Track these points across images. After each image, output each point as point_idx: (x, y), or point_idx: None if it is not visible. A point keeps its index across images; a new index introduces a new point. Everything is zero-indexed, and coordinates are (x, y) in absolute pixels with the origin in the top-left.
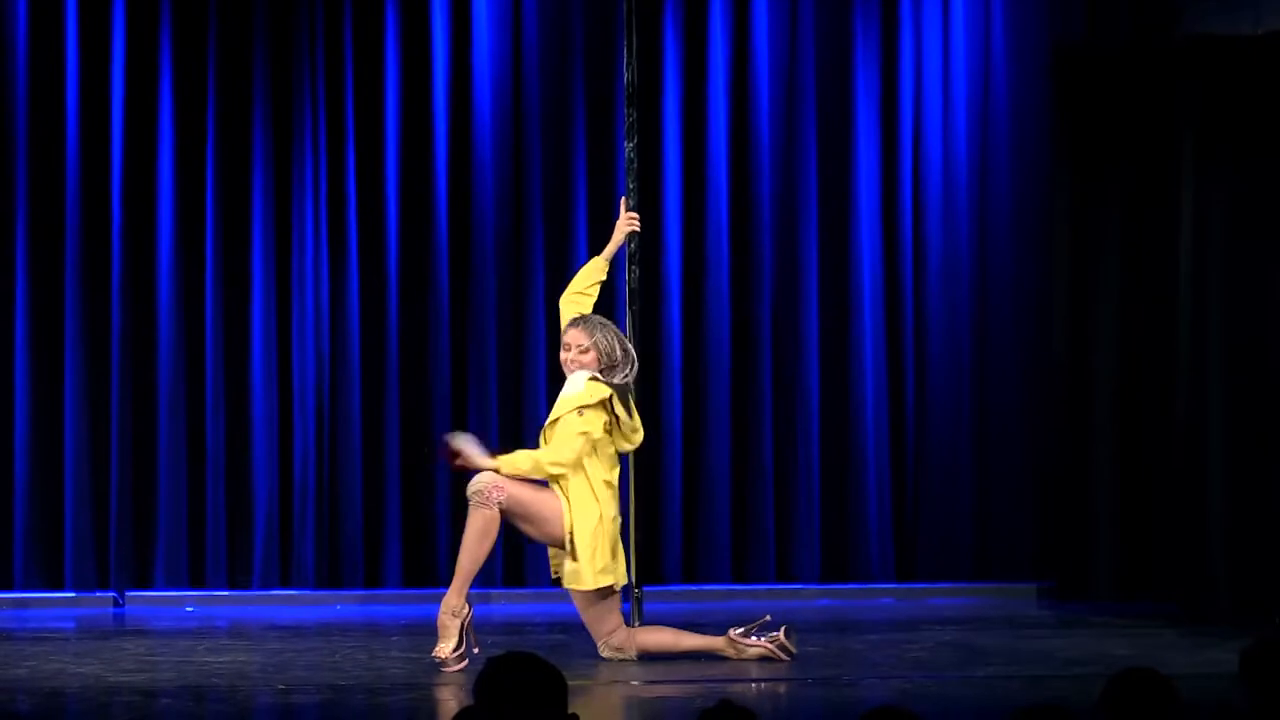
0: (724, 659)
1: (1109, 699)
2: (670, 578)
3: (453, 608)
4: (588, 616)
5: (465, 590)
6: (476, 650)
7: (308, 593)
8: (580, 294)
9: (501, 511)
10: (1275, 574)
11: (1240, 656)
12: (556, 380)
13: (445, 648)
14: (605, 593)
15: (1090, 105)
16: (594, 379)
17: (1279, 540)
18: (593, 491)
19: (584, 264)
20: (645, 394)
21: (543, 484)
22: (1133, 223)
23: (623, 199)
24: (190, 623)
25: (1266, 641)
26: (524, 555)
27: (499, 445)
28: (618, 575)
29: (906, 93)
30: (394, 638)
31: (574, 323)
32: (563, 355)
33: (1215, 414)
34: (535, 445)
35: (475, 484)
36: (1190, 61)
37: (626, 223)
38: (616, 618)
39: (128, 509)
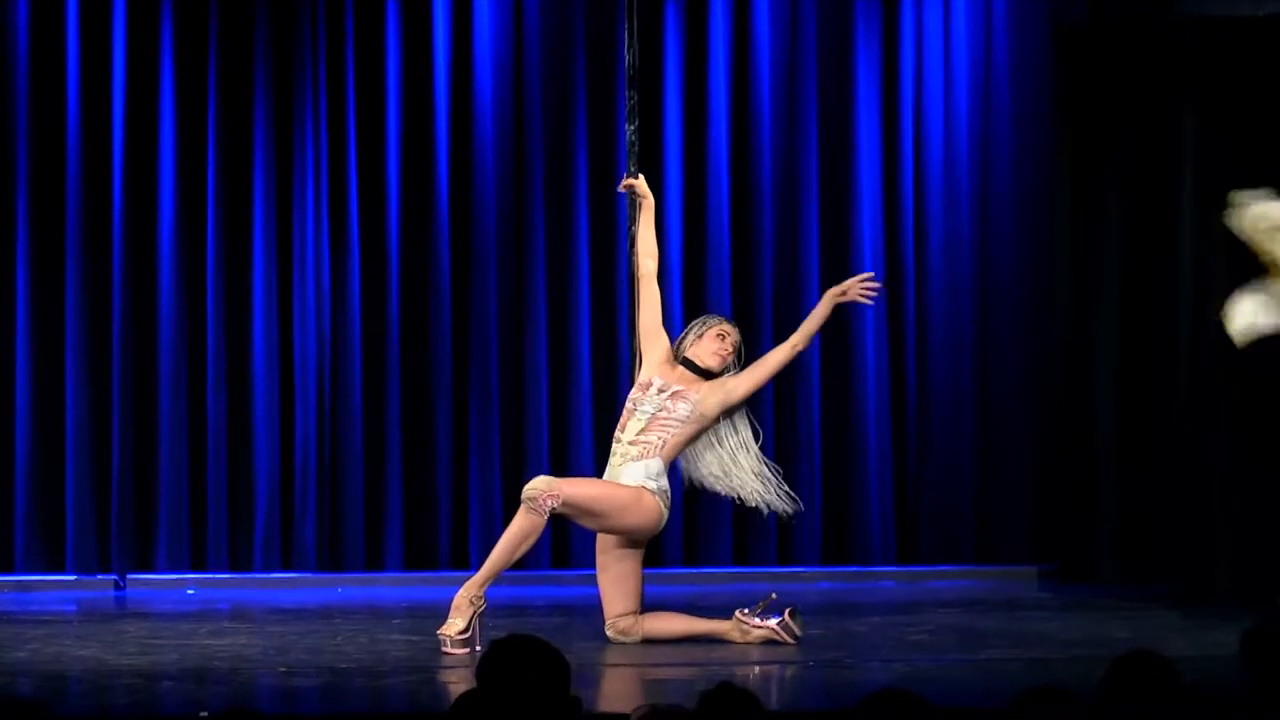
0: (728, 642)
1: (1111, 681)
2: (671, 560)
3: (471, 596)
4: (615, 584)
5: (488, 584)
6: (479, 647)
7: (309, 575)
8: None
9: (557, 515)
10: (1276, 556)
11: (1241, 639)
12: (557, 360)
13: (453, 626)
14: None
15: (1091, 85)
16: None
17: None
18: None
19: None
20: None
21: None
22: (1134, 203)
23: (625, 174)
24: (191, 605)
25: (1267, 624)
26: None
27: (500, 427)
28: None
29: (908, 72)
30: (395, 620)
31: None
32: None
33: (1217, 395)
34: (535, 429)
35: (531, 488)
36: (1191, 42)
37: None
38: (635, 599)
39: (129, 492)
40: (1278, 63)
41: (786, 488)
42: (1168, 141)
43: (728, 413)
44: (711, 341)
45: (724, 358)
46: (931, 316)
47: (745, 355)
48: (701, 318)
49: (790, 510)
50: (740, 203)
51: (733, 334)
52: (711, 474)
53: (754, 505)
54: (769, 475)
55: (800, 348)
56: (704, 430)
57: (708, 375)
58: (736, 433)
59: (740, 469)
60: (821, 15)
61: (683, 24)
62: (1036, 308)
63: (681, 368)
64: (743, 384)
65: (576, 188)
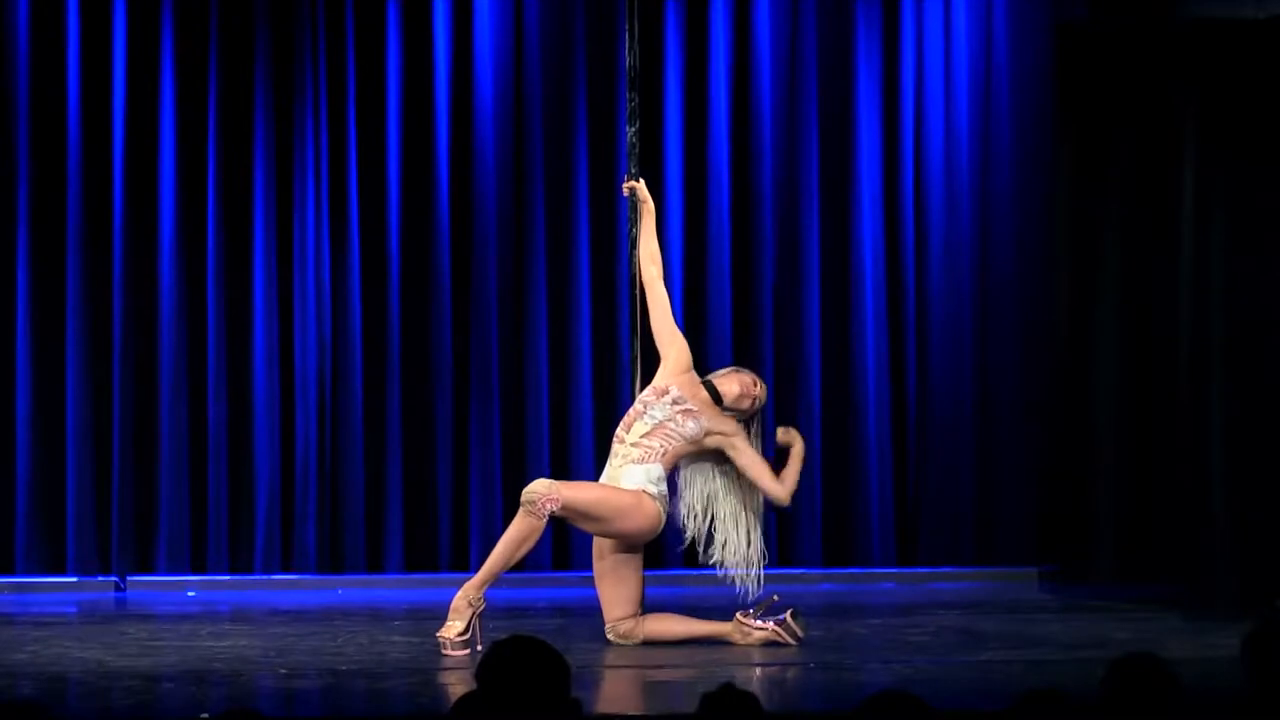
0: (729, 644)
1: (1109, 684)
2: (671, 562)
3: (470, 598)
4: (615, 587)
5: (487, 585)
6: (479, 647)
7: (309, 577)
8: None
9: (556, 517)
10: (1277, 558)
11: (1241, 641)
12: (557, 361)
13: (452, 629)
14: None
15: (1092, 86)
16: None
17: None
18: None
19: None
20: (646, 379)
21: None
22: (1134, 203)
23: (626, 175)
24: (192, 607)
25: (1268, 626)
26: None
27: (501, 427)
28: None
29: (908, 72)
30: (396, 622)
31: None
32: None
33: (1217, 396)
34: (536, 430)
35: (530, 492)
36: (1193, 44)
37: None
38: (635, 602)
39: (129, 493)
40: (1279, 65)
41: (760, 573)
42: (1168, 142)
43: (738, 474)
44: (745, 378)
45: (744, 395)
46: (931, 316)
47: (742, 353)
48: (744, 367)
49: (755, 595)
50: (740, 203)
51: (763, 393)
52: (692, 505)
53: (716, 561)
54: (757, 555)
55: (791, 490)
56: (699, 456)
57: (720, 404)
58: (752, 499)
59: (738, 528)
60: (821, 15)
61: (683, 26)
62: (1036, 308)
63: (703, 389)
64: (744, 454)
65: (577, 190)
